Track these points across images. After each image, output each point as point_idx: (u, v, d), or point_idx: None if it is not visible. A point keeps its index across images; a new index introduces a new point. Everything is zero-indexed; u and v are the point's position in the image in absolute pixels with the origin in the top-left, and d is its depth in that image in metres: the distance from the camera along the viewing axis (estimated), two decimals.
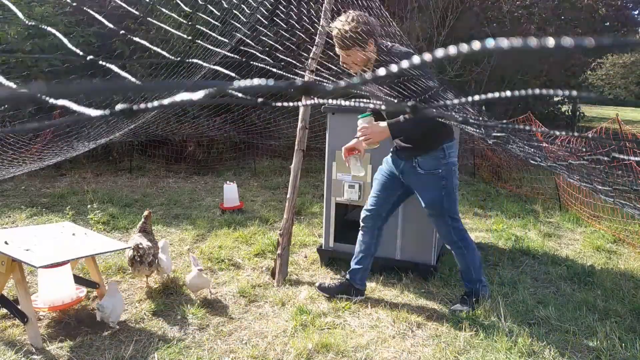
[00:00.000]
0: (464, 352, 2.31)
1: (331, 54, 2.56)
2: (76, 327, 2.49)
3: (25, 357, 2.21)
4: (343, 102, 0.49)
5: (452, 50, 0.44)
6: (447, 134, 2.61)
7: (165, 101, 0.47)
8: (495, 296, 2.87)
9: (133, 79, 0.57)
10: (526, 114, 7.00)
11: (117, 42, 6.60)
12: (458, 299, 2.82)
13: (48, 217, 4.50)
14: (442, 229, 2.73)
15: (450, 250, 2.83)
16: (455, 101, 0.59)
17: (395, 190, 2.78)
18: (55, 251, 2.43)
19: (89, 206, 4.52)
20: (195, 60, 0.85)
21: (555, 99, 14.67)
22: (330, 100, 0.59)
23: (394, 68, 0.49)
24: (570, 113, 15.79)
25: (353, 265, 2.88)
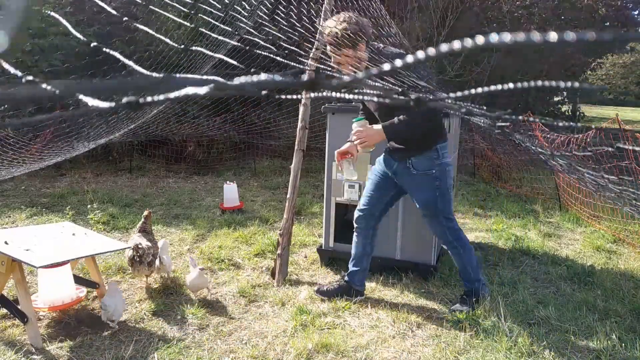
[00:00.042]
0: (464, 352, 2.31)
1: (330, 53, 2.56)
2: (76, 327, 2.49)
3: (25, 357, 2.21)
4: (347, 95, 0.49)
5: (456, 45, 0.44)
6: (440, 135, 2.62)
7: (172, 94, 0.47)
8: (495, 296, 2.87)
9: (139, 68, 0.57)
10: (526, 113, 7.00)
11: (117, 42, 6.59)
12: (458, 299, 2.82)
13: (48, 217, 4.50)
14: (437, 229, 2.73)
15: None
16: (459, 94, 0.59)
17: (388, 191, 2.79)
18: (55, 251, 2.44)
19: (89, 206, 4.52)
20: (199, 49, 0.85)
21: (556, 98, 14.68)
22: (334, 93, 0.58)
23: (398, 63, 0.49)
24: (570, 113, 15.80)
25: (351, 267, 2.89)
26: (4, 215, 4.57)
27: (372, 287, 3.02)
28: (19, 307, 2.33)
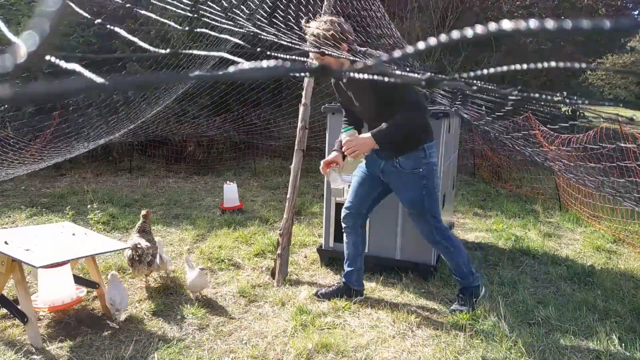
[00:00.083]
0: (464, 352, 2.31)
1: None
2: (76, 327, 2.49)
3: (25, 357, 2.21)
4: (359, 75, 0.49)
5: (469, 32, 0.44)
6: (427, 135, 2.63)
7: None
8: (495, 296, 2.87)
9: (147, 46, 0.57)
10: (526, 113, 6.99)
11: (117, 43, 6.60)
12: (455, 299, 2.82)
13: (48, 217, 4.50)
14: (424, 228, 2.72)
15: None
16: (471, 74, 0.59)
17: (375, 189, 2.80)
18: (55, 251, 2.44)
19: (89, 206, 4.53)
20: (204, 30, 0.85)
21: (555, 98, 14.64)
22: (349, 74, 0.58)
23: (410, 49, 0.49)
24: (570, 113, 15.79)
25: (346, 268, 2.89)
26: (4, 215, 4.57)
27: (372, 287, 3.03)
28: (19, 307, 2.33)
